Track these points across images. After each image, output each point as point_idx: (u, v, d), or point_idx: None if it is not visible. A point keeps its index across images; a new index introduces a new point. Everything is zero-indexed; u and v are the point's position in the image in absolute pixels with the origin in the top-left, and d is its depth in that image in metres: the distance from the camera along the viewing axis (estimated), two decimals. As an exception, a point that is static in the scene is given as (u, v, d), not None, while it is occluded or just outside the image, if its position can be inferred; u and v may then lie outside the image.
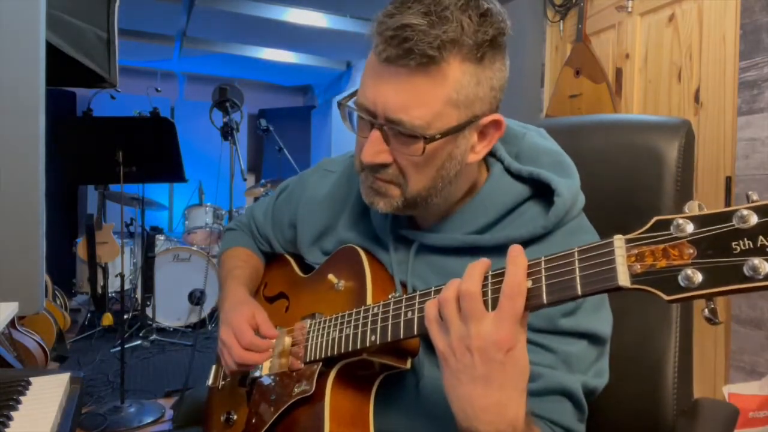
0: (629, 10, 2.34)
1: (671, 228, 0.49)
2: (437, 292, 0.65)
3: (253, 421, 0.87)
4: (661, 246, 0.49)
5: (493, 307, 0.57)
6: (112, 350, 3.48)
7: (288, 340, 0.88)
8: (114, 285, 4.10)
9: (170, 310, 3.96)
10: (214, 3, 4.30)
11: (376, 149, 0.74)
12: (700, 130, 2.01)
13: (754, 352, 1.79)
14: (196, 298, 3.93)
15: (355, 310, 0.77)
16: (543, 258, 0.57)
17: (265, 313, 0.93)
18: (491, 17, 0.70)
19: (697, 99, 2.07)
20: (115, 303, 4.14)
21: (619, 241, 0.52)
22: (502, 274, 0.57)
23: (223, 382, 1.03)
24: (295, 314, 0.94)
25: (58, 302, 3.64)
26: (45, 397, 0.91)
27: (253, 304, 0.96)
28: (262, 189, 3.98)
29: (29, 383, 0.95)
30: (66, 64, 1.65)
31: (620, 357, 0.82)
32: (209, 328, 4.00)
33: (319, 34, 4.76)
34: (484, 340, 0.57)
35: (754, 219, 0.45)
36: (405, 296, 0.70)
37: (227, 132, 3.23)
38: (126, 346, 2.99)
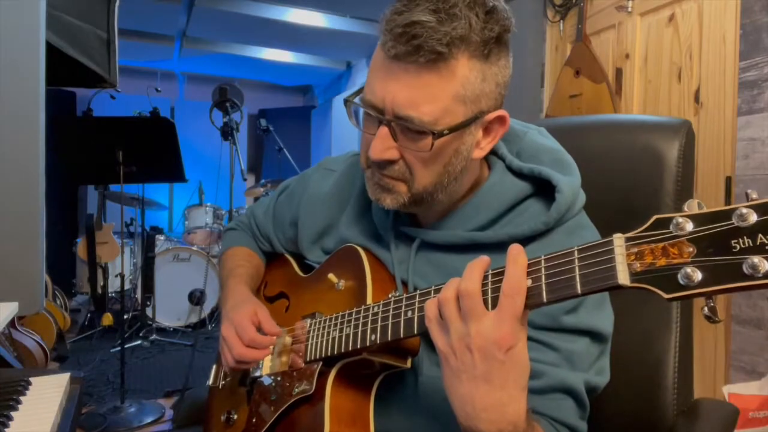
0: (629, 10, 2.34)
1: (671, 226, 0.49)
2: (437, 291, 0.65)
3: (254, 420, 0.87)
4: (661, 244, 0.49)
5: (493, 306, 0.57)
6: (112, 350, 3.48)
7: (288, 339, 0.88)
8: (114, 285, 4.10)
9: (170, 310, 3.96)
10: (214, 3, 4.30)
11: (384, 145, 0.74)
12: (700, 130, 2.01)
13: (754, 352, 1.79)
14: (196, 298, 3.93)
15: (355, 309, 0.77)
16: (543, 257, 0.57)
17: (267, 311, 0.94)
18: (497, 14, 0.71)
19: (697, 99, 2.07)
20: (115, 303, 4.14)
21: (618, 239, 0.52)
22: (502, 273, 0.58)
23: (223, 382, 1.03)
24: (295, 314, 0.94)
25: (58, 302, 3.63)
26: (45, 397, 0.91)
27: (255, 301, 0.96)
28: (262, 189, 3.98)
29: (29, 383, 0.95)
30: (66, 64, 1.65)
31: (620, 357, 0.82)
32: (209, 328, 4.01)
33: (319, 34, 4.77)
34: (485, 339, 0.57)
35: (753, 217, 0.45)
36: (405, 296, 0.70)
37: (227, 132, 3.23)
38: (126, 346, 2.99)
